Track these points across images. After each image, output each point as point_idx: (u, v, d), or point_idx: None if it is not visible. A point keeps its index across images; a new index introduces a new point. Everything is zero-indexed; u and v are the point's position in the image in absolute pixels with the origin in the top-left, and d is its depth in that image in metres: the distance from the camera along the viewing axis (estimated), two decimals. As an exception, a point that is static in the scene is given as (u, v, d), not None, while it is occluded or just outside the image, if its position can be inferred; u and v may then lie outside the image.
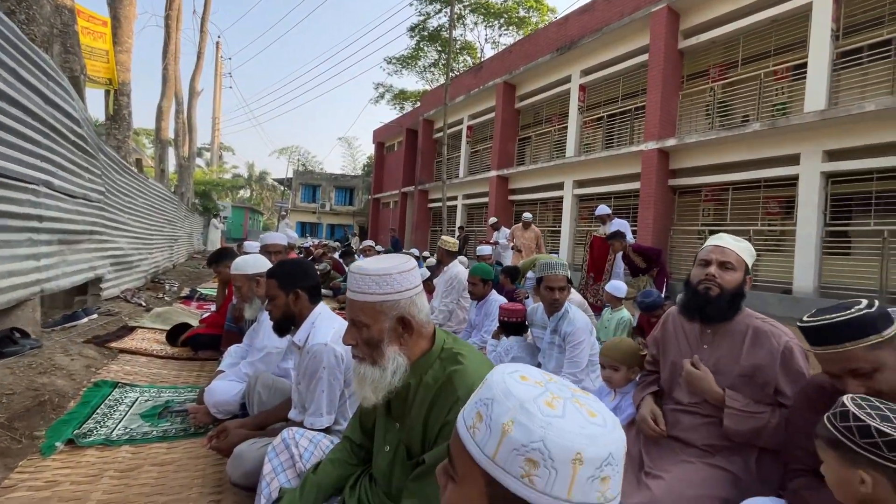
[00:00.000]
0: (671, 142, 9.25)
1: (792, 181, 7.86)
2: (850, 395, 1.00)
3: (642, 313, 3.69)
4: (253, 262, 2.54)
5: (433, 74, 28.53)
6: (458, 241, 4.52)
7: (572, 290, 4.31)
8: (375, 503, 1.19)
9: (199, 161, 27.64)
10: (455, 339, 1.21)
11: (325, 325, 1.75)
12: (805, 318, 1.21)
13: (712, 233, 9.27)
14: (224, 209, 23.94)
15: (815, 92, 7.53)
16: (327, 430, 1.68)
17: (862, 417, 0.92)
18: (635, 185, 10.07)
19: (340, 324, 1.80)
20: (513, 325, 2.66)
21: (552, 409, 0.47)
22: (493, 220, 8.81)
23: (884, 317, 1.12)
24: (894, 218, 6.94)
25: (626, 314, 3.86)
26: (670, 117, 9.71)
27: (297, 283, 1.77)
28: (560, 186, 12.43)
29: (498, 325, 2.89)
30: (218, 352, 3.33)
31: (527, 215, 7.82)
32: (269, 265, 2.55)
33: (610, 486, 0.46)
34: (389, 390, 1.11)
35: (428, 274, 5.00)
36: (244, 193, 48.38)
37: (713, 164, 9.00)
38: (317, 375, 1.65)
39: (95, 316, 4.06)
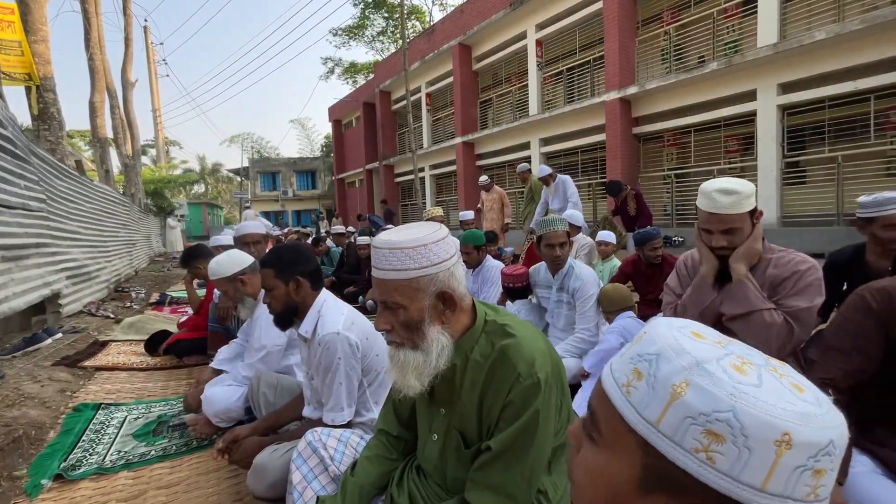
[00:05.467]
0: (632, 90, 9.22)
1: (750, 117, 8.03)
2: None
3: (637, 248, 3.64)
4: (229, 262, 2.27)
5: (383, 44, 27.33)
6: (440, 209, 4.36)
7: (583, 233, 4.35)
8: (429, 497, 1.09)
9: (144, 159, 25.76)
10: (496, 310, 1.09)
11: (334, 312, 1.60)
12: None
13: (678, 177, 9.55)
14: (180, 207, 22.63)
15: (768, 26, 7.60)
16: (348, 424, 1.55)
17: None
18: (600, 138, 10.08)
19: (349, 310, 1.65)
20: (518, 291, 2.57)
21: (743, 375, 0.37)
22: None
23: None
24: (846, 143, 7.24)
25: (616, 262, 3.85)
26: (629, 65, 9.65)
27: (297, 270, 1.59)
28: (526, 146, 12.32)
29: (501, 291, 2.79)
30: (205, 356, 3.11)
31: (483, 178, 7.60)
32: (248, 259, 2.33)
33: (824, 482, 0.36)
34: (434, 375, 0.99)
35: None
36: (199, 189, 46.03)
37: (674, 109, 9.07)
38: (332, 367, 1.51)
39: (60, 335, 3.72)
